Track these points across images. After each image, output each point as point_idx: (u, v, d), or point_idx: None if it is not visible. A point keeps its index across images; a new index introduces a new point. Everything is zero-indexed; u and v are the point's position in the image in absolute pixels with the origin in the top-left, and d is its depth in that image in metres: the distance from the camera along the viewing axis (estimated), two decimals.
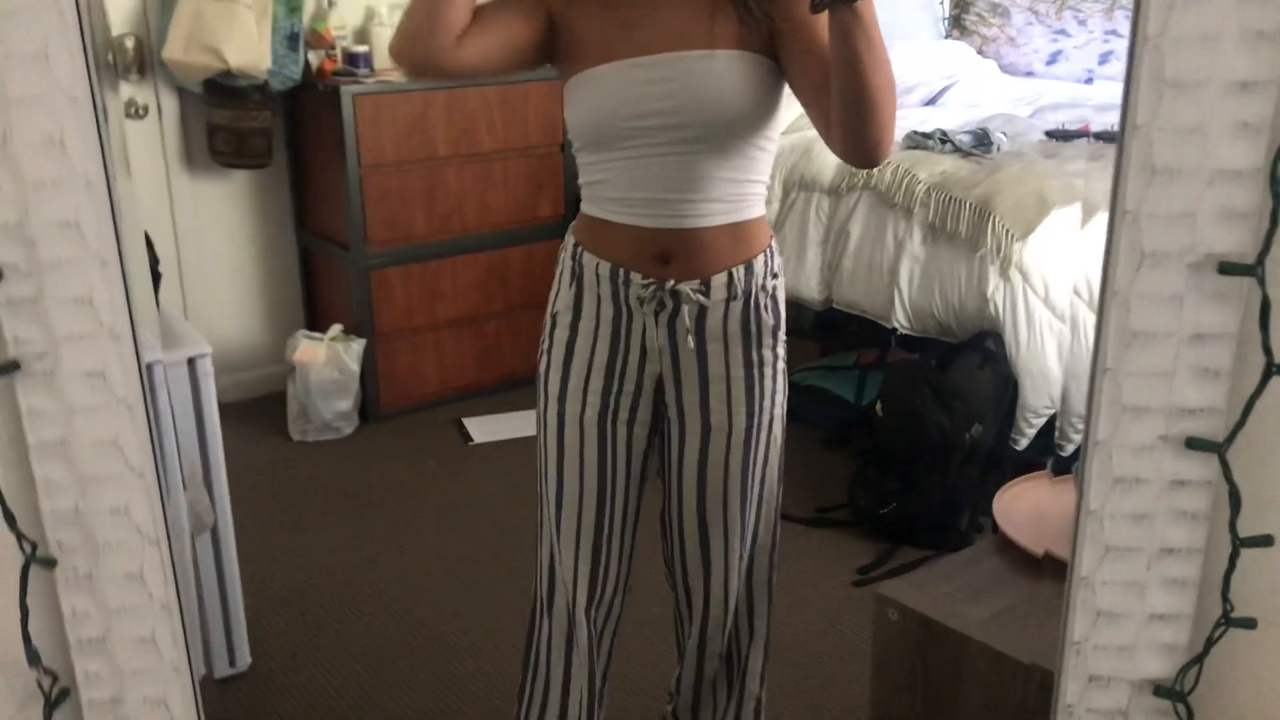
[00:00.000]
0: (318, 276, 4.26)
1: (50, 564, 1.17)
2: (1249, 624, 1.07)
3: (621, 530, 1.86)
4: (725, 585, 1.91)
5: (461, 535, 3.28)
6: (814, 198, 3.69)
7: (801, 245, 3.76)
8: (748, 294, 1.74)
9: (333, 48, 3.95)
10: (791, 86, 1.66)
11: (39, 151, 1.09)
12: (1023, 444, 3.42)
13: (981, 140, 3.73)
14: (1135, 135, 0.96)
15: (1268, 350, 0.99)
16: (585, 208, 1.78)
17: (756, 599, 1.96)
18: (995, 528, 3.27)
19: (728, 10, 1.60)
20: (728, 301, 1.73)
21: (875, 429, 3.47)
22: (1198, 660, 1.10)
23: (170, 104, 3.85)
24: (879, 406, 3.45)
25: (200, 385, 2.41)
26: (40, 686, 1.21)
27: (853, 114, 1.50)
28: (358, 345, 3.92)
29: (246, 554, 2.62)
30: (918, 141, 3.80)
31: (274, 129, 3.94)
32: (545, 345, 1.83)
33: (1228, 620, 1.08)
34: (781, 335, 1.82)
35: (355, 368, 3.90)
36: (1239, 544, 1.04)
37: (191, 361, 2.38)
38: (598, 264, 1.73)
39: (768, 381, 1.81)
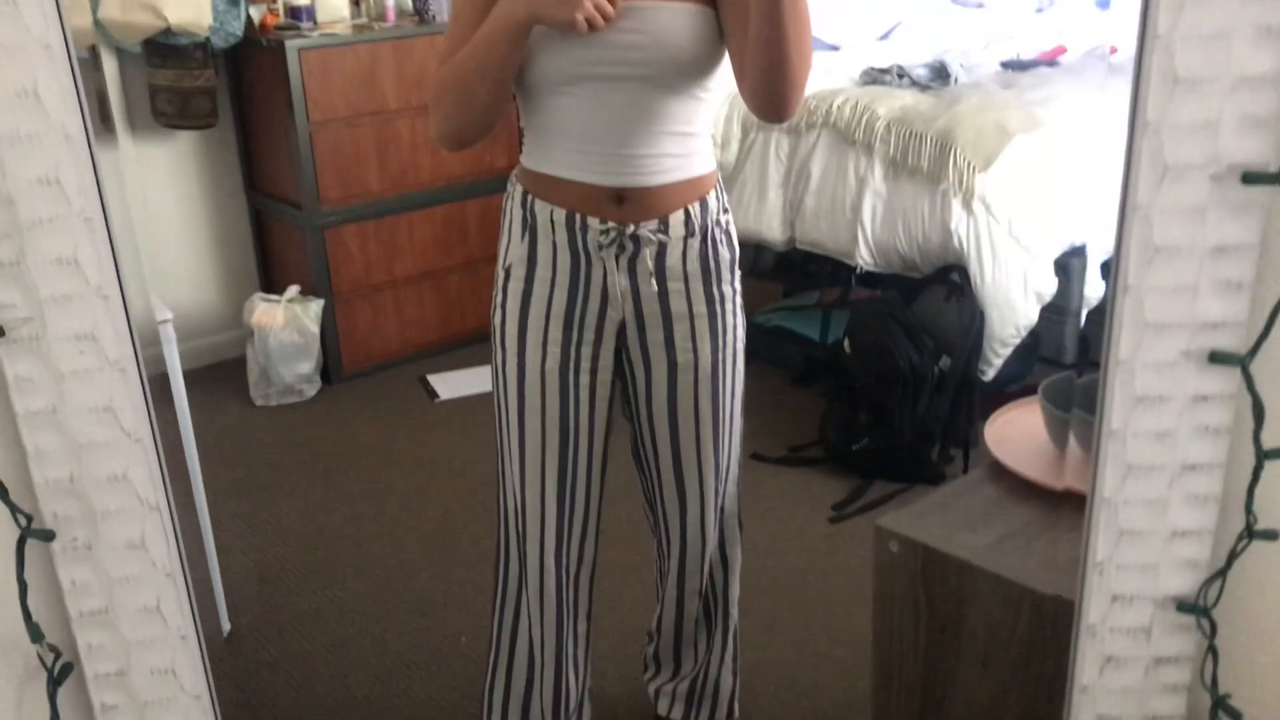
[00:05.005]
0: (271, 238, 4.18)
1: (48, 536, 1.13)
2: (1271, 536, 1.07)
3: (587, 479, 1.85)
4: (702, 520, 1.92)
5: (433, 493, 3.25)
6: (773, 138, 3.66)
7: (762, 186, 3.73)
8: (704, 230, 1.74)
9: (274, 1, 3.84)
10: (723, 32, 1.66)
11: (12, 104, 1.03)
12: (990, 374, 3.44)
13: (939, 73, 3.71)
14: (1156, 45, 0.94)
15: None
16: (529, 162, 1.76)
17: (729, 528, 1.99)
18: (966, 459, 3.33)
19: None
20: (686, 239, 1.73)
21: (844, 366, 3.47)
22: (1220, 574, 1.10)
23: (109, 66, 3.72)
24: (847, 343, 3.45)
25: (164, 353, 2.35)
26: (43, 662, 1.17)
27: (767, 67, 1.52)
28: (316, 306, 3.85)
29: (217, 522, 2.58)
30: (875, 77, 3.77)
31: (218, 88, 3.83)
32: (499, 299, 1.81)
33: (1250, 533, 1.07)
34: (737, 270, 1.82)
35: (315, 329, 3.83)
36: (1264, 456, 1.04)
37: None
38: (551, 211, 1.71)
39: (729, 316, 1.81)
